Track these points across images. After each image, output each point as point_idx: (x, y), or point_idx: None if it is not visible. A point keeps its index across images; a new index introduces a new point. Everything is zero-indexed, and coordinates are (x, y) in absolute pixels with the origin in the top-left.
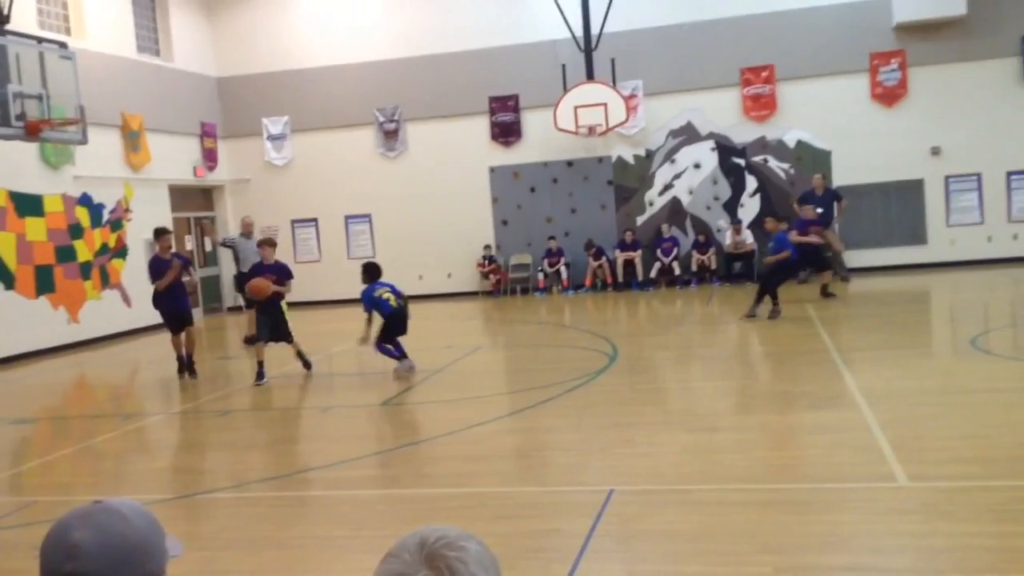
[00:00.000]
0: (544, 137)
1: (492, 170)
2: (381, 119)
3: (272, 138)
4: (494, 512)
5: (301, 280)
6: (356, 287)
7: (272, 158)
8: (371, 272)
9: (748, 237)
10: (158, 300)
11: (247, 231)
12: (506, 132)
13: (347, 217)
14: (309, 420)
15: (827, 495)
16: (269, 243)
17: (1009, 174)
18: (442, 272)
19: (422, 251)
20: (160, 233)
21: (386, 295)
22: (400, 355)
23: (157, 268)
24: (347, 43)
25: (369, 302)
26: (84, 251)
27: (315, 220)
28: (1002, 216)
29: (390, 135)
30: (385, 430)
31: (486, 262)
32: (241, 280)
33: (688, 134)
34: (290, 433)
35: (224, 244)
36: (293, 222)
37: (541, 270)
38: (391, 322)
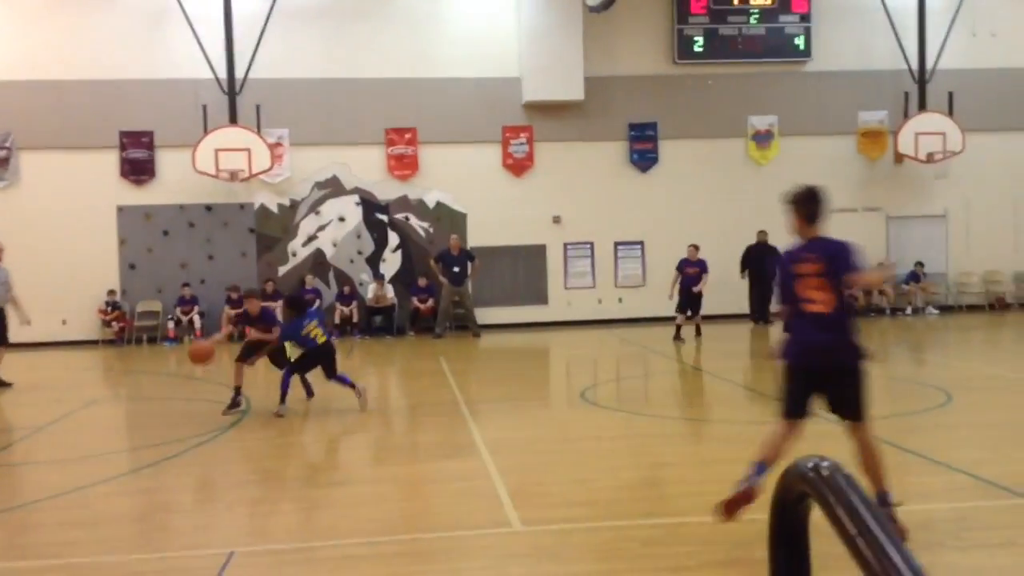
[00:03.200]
0: (181, 178)
1: (120, 209)
2: None
3: None
4: None
5: None
6: None
7: None
8: (297, 306)
9: (389, 291)
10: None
11: None
12: (138, 170)
13: None
14: None
15: (450, 543)
16: (254, 295)
17: (616, 244)
18: (56, 318)
19: (32, 294)
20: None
21: (314, 332)
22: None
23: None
24: None
25: (293, 339)
26: None
27: None
28: (610, 281)
29: (0, 163)
30: None
31: (109, 308)
32: None
33: (334, 187)
34: None
35: None
36: None
37: (172, 318)
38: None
